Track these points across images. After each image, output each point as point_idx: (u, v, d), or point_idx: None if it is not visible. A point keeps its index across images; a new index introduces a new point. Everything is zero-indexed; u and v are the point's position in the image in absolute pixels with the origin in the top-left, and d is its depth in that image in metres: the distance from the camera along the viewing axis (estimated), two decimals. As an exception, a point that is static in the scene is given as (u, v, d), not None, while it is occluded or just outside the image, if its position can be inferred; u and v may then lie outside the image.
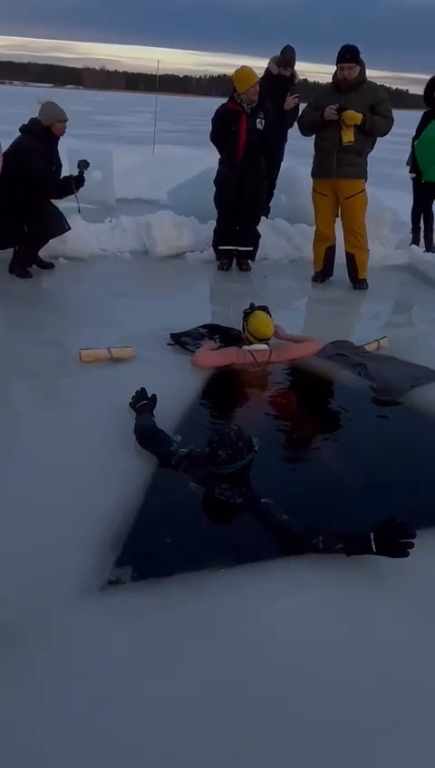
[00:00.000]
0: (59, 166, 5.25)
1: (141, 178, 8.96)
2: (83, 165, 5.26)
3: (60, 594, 1.92)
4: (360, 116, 4.93)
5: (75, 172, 5.34)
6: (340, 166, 5.14)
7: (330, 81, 5.20)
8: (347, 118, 4.94)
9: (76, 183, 5.25)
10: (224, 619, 1.89)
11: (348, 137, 5.00)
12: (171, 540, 2.19)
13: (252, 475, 2.46)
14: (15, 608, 1.85)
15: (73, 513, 2.28)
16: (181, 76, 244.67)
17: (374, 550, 2.04)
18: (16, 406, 3.11)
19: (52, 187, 5.06)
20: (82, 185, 5.32)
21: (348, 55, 4.96)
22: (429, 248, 6.61)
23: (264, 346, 3.77)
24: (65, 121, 5.02)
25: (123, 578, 2.00)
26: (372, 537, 2.04)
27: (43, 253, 5.41)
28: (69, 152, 7.83)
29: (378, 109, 5.06)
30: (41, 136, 4.95)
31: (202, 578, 2.02)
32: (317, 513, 2.39)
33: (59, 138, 5.10)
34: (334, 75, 5.10)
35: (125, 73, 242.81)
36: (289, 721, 1.58)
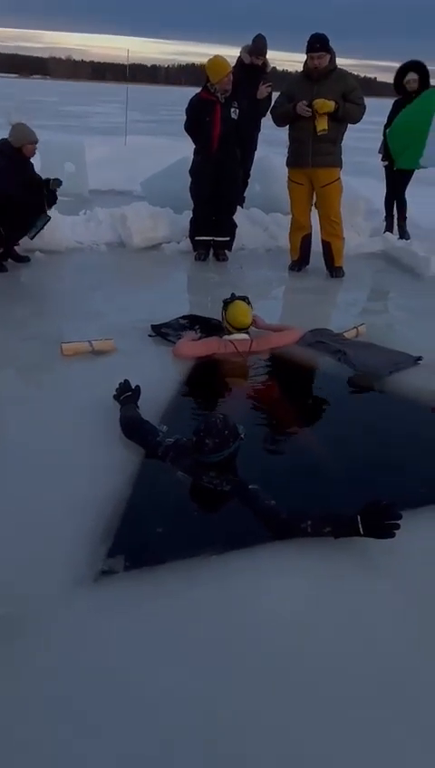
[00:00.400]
0: (35, 182, 5.15)
1: (114, 169, 8.90)
2: (56, 183, 5.22)
3: (55, 586, 1.93)
4: (332, 104, 4.96)
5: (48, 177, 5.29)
6: (315, 155, 5.17)
7: (300, 69, 5.21)
8: (319, 106, 4.96)
9: (49, 201, 5.22)
10: (217, 604, 1.92)
11: (322, 125, 5.03)
12: (162, 529, 2.22)
13: (238, 462, 2.49)
14: (12, 600, 1.87)
15: (63, 506, 2.29)
16: (149, 65, 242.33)
17: (361, 532, 2.08)
18: (1, 403, 3.09)
19: (21, 207, 5.02)
20: (55, 203, 5.30)
21: (318, 44, 4.97)
22: (402, 235, 6.69)
23: (244, 335, 3.80)
24: (35, 143, 5.04)
25: (116, 568, 2.02)
26: (359, 520, 2.09)
27: (19, 246, 5.36)
28: (40, 144, 7.76)
29: (350, 96, 5.08)
30: (11, 157, 4.95)
31: (194, 565, 2.05)
32: (303, 499, 2.43)
33: (30, 158, 5.09)
34: (305, 64, 5.11)
35: (92, 63, 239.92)
36: (286, 699, 1.62)
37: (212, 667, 1.70)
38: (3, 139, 5.01)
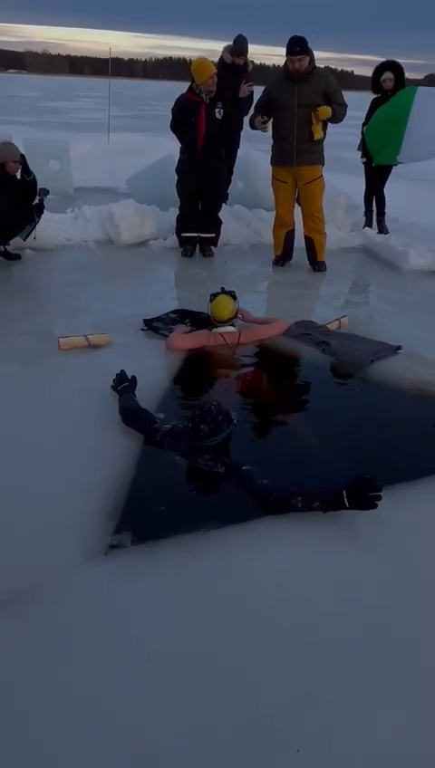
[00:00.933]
0: (22, 193, 5.25)
1: (98, 167, 9.00)
2: (43, 193, 5.36)
3: (69, 559, 2.11)
4: (329, 109, 5.19)
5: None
6: (300, 154, 5.35)
7: (279, 64, 5.37)
8: (321, 113, 5.17)
9: (37, 210, 5.35)
10: (216, 572, 2.11)
11: (318, 134, 5.26)
12: (164, 507, 2.40)
13: (232, 445, 2.67)
14: (30, 570, 2.05)
15: (72, 488, 2.46)
16: (127, 59, 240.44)
17: (347, 505, 2.28)
18: (3, 396, 3.21)
19: (10, 218, 5.19)
20: (42, 212, 5.43)
21: (297, 47, 5.13)
22: (381, 230, 6.90)
23: (232, 328, 3.98)
24: (18, 161, 5.15)
25: (124, 542, 2.20)
26: (344, 494, 2.28)
27: (10, 245, 5.49)
28: (24, 142, 7.86)
29: (333, 97, 5.27)
30: None
31: (194, 539, 2.23)
32: (292, 476, 2.63)
33: (12, 174, 5.19)
34: (285, 65, 5.27)
35: (69, 57, 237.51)
36: (277, 651, 1.83)
37: (213, 625, 1.89)
38: None
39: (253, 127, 5.51)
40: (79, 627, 1.87)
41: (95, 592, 1.99)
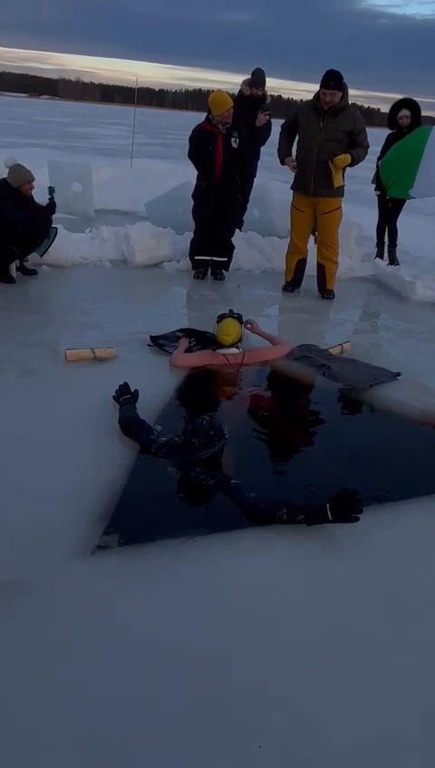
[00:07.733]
0: (38, 214, 5.43)
1: (119, 191, 9.26)
2: (50, 190, 5.56)
3: (57, 556, 2.19)
4: (349, 157, 5.29)
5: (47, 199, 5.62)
6: (317, 185, 5.47)
7: (299, 98, 5.55)
8: (339, 162, 5.29)
9: (49, 209, 5.54)
10: (200, 575, 2.18)
11: (338, 181, 5.40)
12: (153, 513, 2.47)
13: (235, 469, 2.76)
14: (22, 568, 2.13)
15: (67, 491, 2.55)
16: (157, 90, 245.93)
17: (330, 518, 2.34)
18: (10, 401, 3.32)
19: (28, 234, 5.36)
20: (54, 211, 5.59)
21: (332, 82, 5.17)
22: (392, 261, 7.02)
23: (235, 349, 4.08)
24: (32, 182, 5.33)
25: (111, 544, 2.28)
26: (328, 507, 2.35)
27: (27, 261, 5.67)
28: (49, 164, 8.15)
29: (357, 138, 5.34)
30: (11, 197, 5.26)
31: (181, 543, 2.31)
32: (282, 487, 2.74)
33: (28, 196, 5.36)
34: (317, 97, 5.31)
35: (101, 85, 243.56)
36: (251, 649, 1.89)
37: (192, 623, 1.96)
38: (2, 179, 5.33)
39: (282, 162, 5.60)
40: (61, 616, 1.95)
41: (79, 587, 2.08)
